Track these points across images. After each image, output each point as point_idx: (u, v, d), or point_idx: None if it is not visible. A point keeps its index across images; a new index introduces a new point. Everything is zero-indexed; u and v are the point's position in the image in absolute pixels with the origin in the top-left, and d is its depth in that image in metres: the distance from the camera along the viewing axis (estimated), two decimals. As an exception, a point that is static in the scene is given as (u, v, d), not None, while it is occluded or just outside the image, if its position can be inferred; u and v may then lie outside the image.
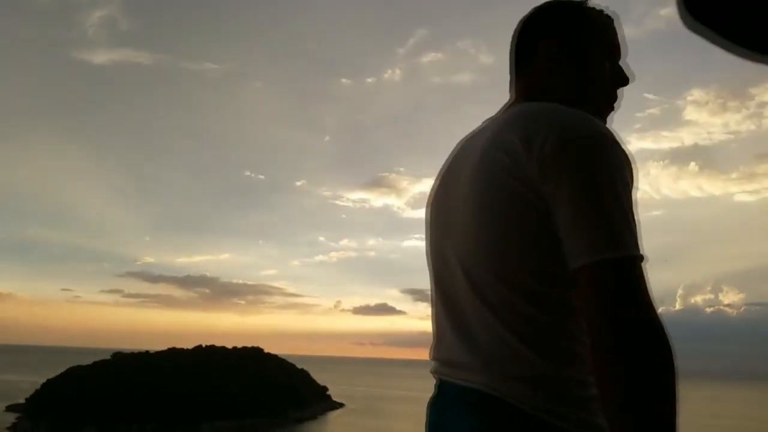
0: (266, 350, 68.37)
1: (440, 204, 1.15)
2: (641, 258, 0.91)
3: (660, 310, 0.90)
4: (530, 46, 1.17)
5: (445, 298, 1.10)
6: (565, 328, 0.98)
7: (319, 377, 73.33)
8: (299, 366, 69.55)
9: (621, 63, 1.19)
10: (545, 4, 1.19)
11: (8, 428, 50.00)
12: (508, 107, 1.17)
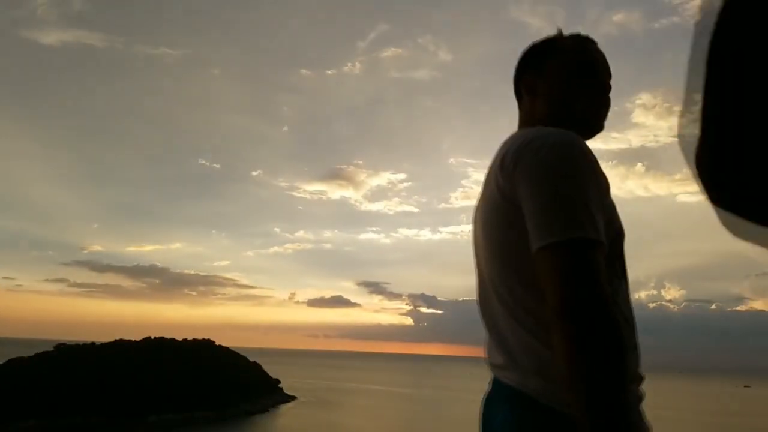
0: (217, 342, 67.36)
1: (473, 218, 1.33)
2: (599, 243, 1.00)
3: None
4: (516, 84, 1.40)
5: (481, 306, 1.28)
6: None
7: (272, 370, 72.79)
8: (251, 359, 68.88)
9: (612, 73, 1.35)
10: (527, 46, 1.40)
11: (-59, 423, 47.82)
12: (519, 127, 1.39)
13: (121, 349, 58.11)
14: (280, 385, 71.34)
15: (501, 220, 1.14)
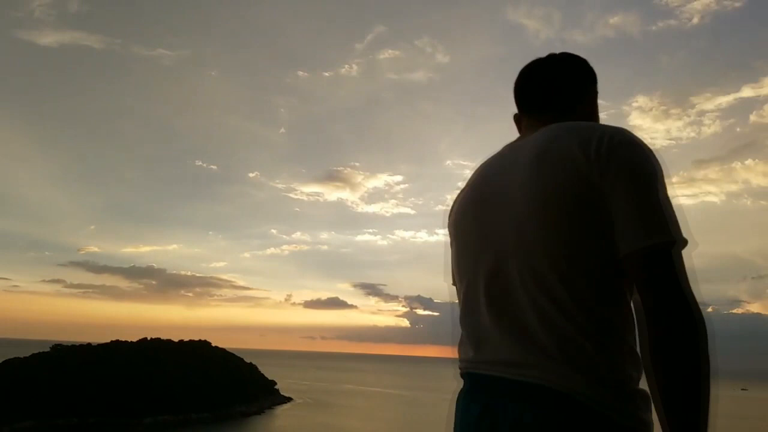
0: (214, 344, 67.50)
1: (475, 218, 1.24)
2: (686, 242, 1.05)
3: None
4: (570, 87, 1.32)
5: (491, 303, 1.16)
6: (618, 321, 1.06)
7: (268, 371, 72.89)
8: (248, 360, 68.89)
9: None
10: (573, 56, 1.36)
11: (-63, 423, 47.87)
12: (536, 129, 1.26)
13: (117, 350, 58.18)
14: (276, 387, 71.45)
15: (578, 208, 1.07)
